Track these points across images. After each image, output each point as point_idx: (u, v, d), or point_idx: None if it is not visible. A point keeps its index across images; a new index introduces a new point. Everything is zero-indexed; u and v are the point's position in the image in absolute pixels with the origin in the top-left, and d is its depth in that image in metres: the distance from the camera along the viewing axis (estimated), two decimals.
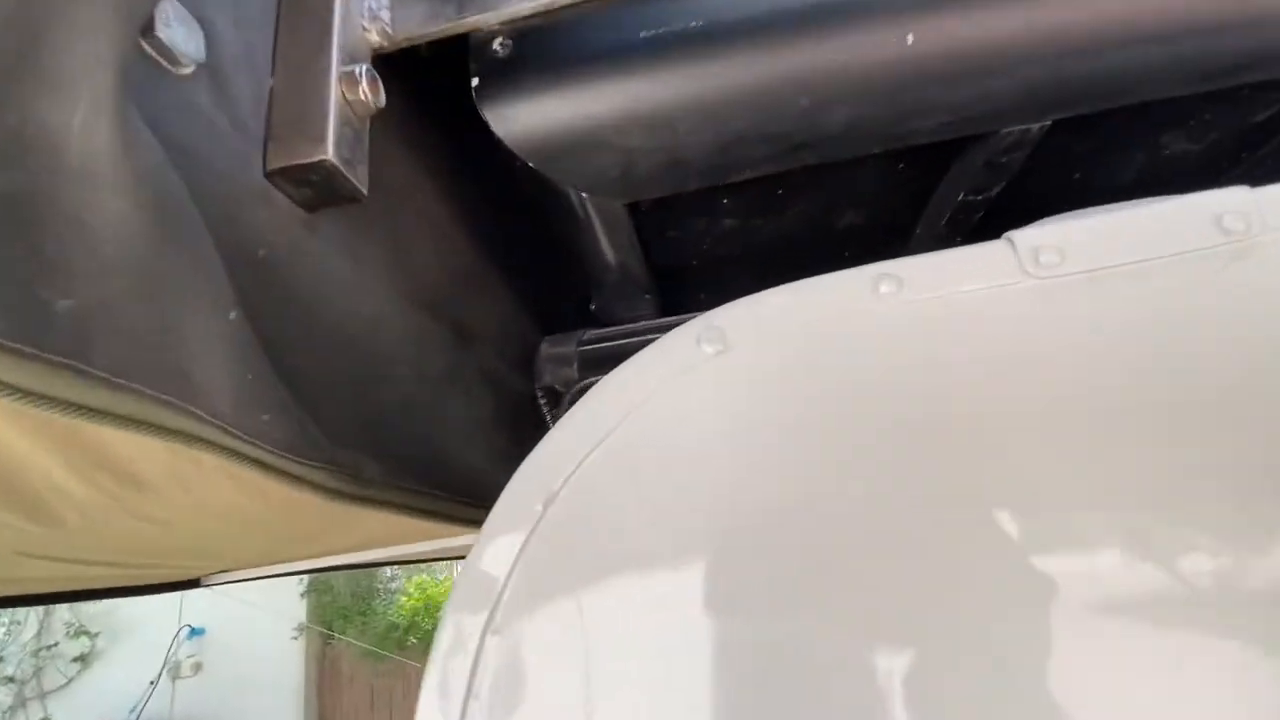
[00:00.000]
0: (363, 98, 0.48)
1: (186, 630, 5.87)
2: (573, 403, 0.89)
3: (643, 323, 0.85)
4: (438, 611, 7.09)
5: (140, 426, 0.40)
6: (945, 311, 0.47)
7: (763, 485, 0.46)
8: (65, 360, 0.34)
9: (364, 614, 6.68)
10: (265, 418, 0.45)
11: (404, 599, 6.84)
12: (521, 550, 0.45)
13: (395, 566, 7.43)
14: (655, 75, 0.50)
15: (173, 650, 5.76)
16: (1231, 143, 0.71)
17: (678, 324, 0.86)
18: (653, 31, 0.49)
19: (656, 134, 0.52)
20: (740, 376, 0.47)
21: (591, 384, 0.88)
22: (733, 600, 0.44)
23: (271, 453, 0.47)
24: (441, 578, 7.35)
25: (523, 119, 0.52)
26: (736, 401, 0.47)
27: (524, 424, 0.90)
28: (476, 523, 0.88)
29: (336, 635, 6.49)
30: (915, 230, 0.79)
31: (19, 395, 0.33)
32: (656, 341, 0.49)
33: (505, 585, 0.44)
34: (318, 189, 0.47)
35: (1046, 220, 0.48)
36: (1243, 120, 0.63)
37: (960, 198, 0.67)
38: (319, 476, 0.54)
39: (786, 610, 0.43)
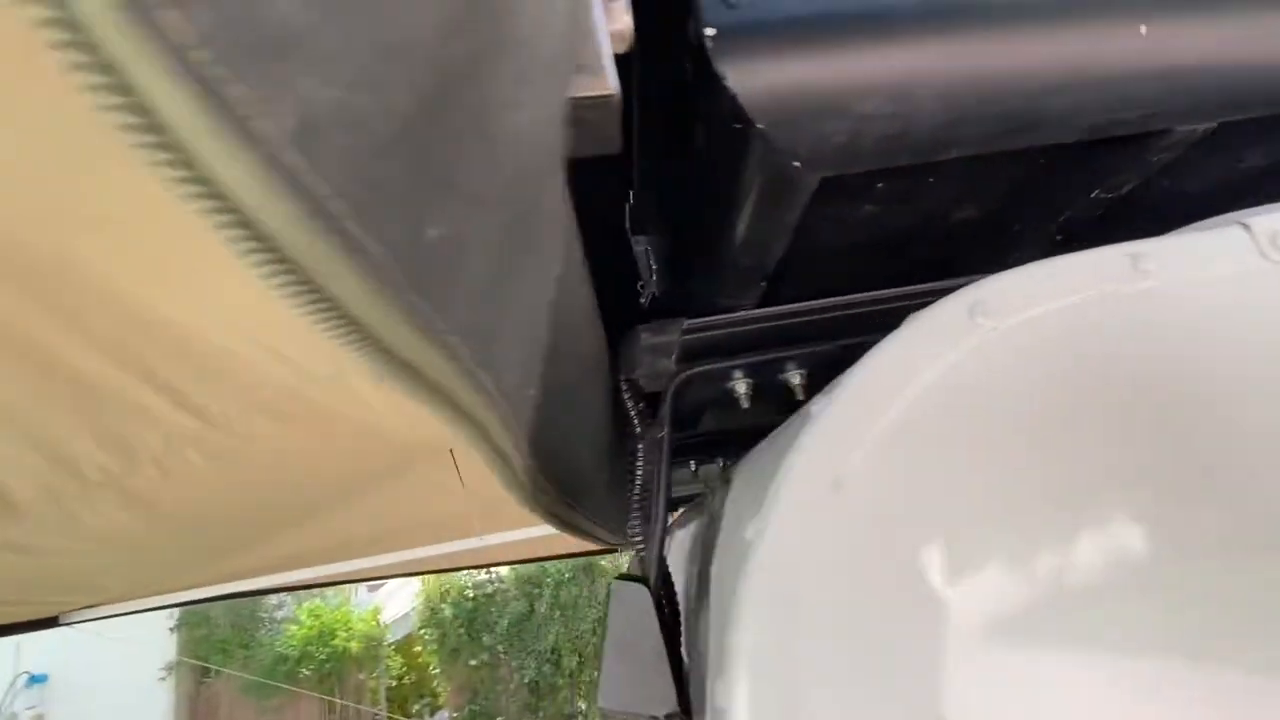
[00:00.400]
0: (622, 29, 0.42)
1: (25, 678, 5.02)
2: (677, 394, 0.84)
3: (752, 311, 0.82)
4: (333, 639, 6.55)
5: (426, 396, 0.32)
6: (1192, 294, 0.48)
7: (1026, 464, 0.45)
8: (419, 301, 0.26)
9: (246, 646, 6.02)
10: (531, 392, 0.38)
11: (294, 628, 6.24)
12: (814, 544, 0.41)
13: (284, 593, 6.79)
14: (917, 42, 0.48)
15: (7, 702, 4.90)
16: None
17: (803, 312, 0.83)
18: None
19: (897, 103, 0.50)
20: (1011, 352, 0.46)
21: (694, 375, 0.84)
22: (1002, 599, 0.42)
23: (515, 436, 0.40)
24: (336, 602, 6.77)
25: (766, 77, 0.48)
26: (1006, 378, 0.46)
27: (614, 420, 0.84)
28: (570, 525, 0.81)
29: (215, 670, 5.80)
30: (1014, 228, 0.81)
31: (363, 341, 0.26)
32: (924, 314, 0.47)
33: (803, 585, 0.40)
34: (586, 131, 0.40)
35: (1273, 206, 0.51)
36: None
37: (1093, 194, 0.70)
38: (524, 471, 0.47)
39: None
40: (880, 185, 0.69)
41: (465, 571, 6.46)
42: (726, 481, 0.80)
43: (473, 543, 2.91)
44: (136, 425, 1.93)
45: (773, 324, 0.86)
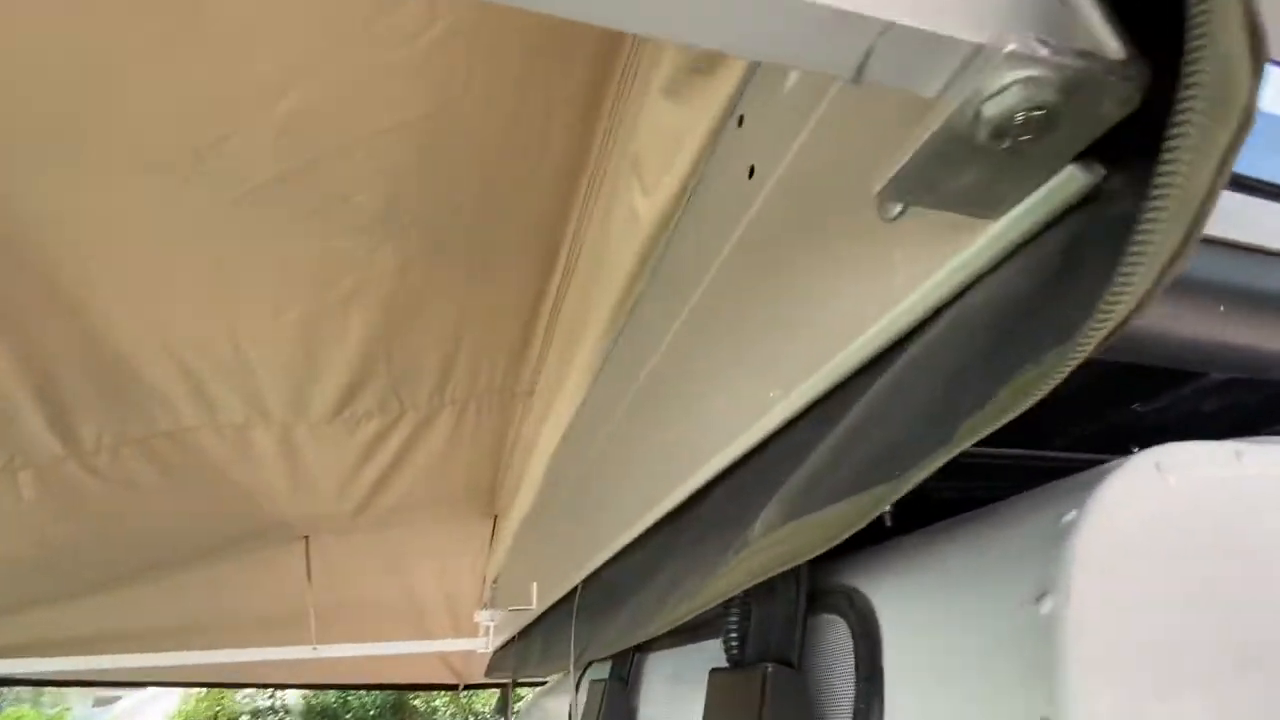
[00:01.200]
0: None
1: None
2: None
3: None
4: None
5: None
6: (1269, 486, 0.67)
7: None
8: None
9: None
10: None
11: None
12: (1113, 610, 0.50)
13: None
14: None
15: None
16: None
17: None
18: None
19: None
20: (1186, 514, 0.61)
21: None
22: None
23: None
24: (52, 711, 5.22)
25: None
26: (1183, 540, 0.60)
27: None
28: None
29: None
30: (1067, 415, 1.03)
31: None
32: (1125, 462, 0.61)
33: (1110, 645, 0.49)
34: None
35: None
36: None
37: (1133, 405, 0.94)
38: None
39: None
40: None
41: (245, 691, 5.41)
42: (853, 588, 0.87)
43: (300, 652, 2.52)
44: None
45: None
